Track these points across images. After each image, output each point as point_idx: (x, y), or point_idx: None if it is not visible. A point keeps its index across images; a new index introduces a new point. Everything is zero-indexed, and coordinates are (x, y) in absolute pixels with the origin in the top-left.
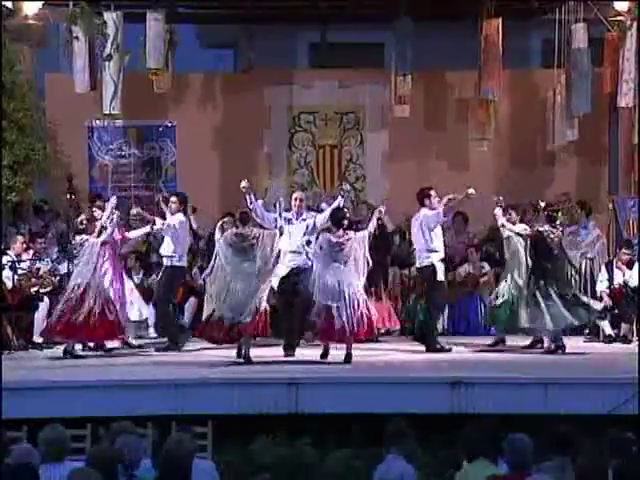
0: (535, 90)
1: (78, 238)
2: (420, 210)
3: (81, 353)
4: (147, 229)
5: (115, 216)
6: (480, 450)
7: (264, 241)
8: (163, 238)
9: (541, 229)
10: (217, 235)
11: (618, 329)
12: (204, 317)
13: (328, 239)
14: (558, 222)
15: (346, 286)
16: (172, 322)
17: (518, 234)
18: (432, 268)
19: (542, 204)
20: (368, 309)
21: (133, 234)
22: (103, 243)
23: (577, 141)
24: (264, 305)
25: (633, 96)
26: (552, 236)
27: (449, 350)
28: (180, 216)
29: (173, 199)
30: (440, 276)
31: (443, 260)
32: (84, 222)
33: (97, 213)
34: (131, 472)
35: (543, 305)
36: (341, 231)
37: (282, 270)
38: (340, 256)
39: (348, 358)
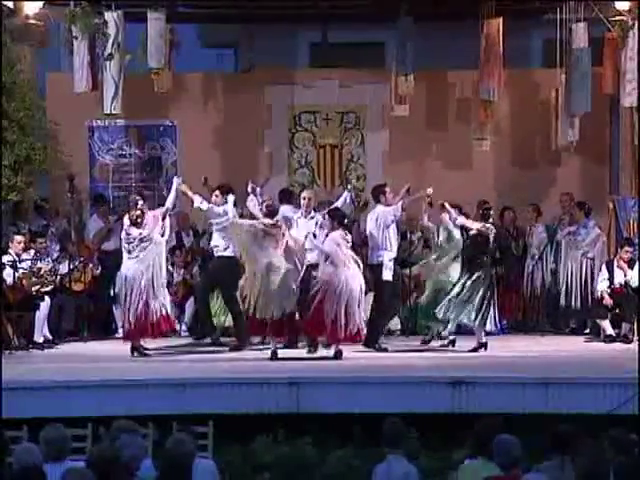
0: (536, 90)
1: (135, 232)
2: (376, 207)
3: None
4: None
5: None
6: (484, 449)
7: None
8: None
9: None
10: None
11: (619, 329)
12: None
13: (343, 236)
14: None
15: (352, 286)
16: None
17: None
18: (382, 267)
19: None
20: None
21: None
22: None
23: (578, 141)
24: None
25: (636, 96)
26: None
27: (385, 350)
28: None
29: (216, 193)
30: (387, 275)
31: (395, 259)
32: (139, 217)
33: (143, 206)
34: (131, 472)
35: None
36: (342, 231)
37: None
38: (348, 255)
39: (338, 355)
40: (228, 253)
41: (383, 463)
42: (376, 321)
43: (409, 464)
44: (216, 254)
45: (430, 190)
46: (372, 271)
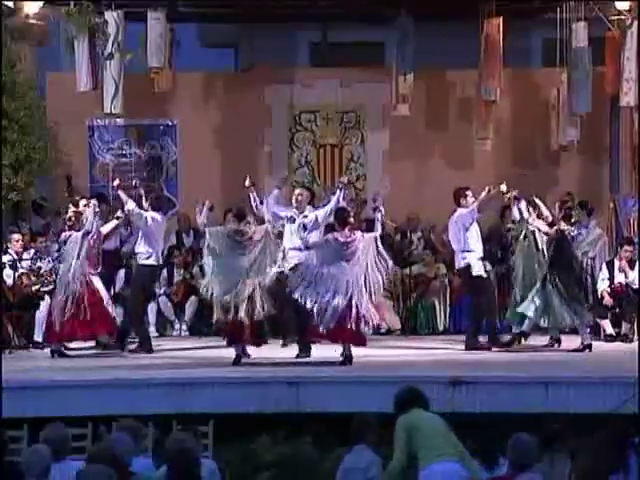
0: (536, 89)
1: (64, 235)
2: (456, 210)
3: (67, 352)
4: (114, 222)
5: (97, 209)
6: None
7: (262, 240)
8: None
9: (563, 228)
10: (206, 230)
11: (619, 328)
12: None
13: (335, 238)
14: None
15: (348, 284)
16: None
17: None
18: (469, 268)
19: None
20: (364, 314)
21: (106, 228)
22: (85, 235)
23: (579, 140)
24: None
25: (634, 95)
26: (572, 234)
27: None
28: (155, 214)
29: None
30: (478, 271)
31: (482, 258)
32: (72, 219)
33: (83, 209)
34: (126, 469)
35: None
36: (347, 231)
37: (285, 267)
38: (345, 255)
39: (347, 361)
40: (148, 262)
41: (350, 453)
42: (488, 320)
43: (373, 454)
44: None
45: (504, 186)
46: (462, 274)
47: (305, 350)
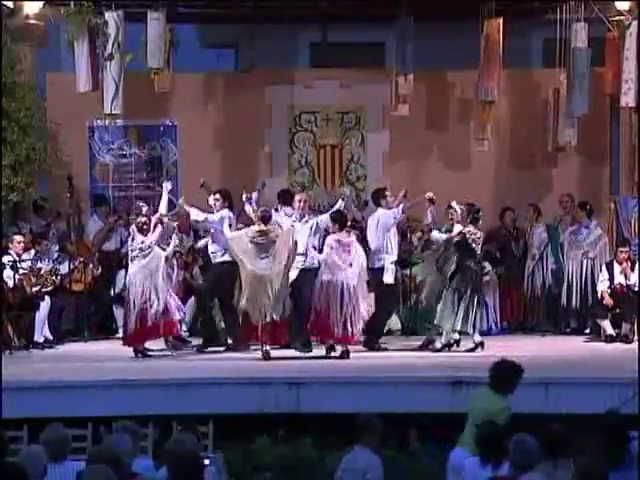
0: (536, 90)
1: (139, 239)
2: (377, 210)
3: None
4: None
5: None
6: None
7: (282, 239)
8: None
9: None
10: (229, 233)
11: (619, 329)
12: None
13: (338, 239)
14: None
15: (351, 288)
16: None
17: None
18: (383, 270)
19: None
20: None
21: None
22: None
23: (578, 141)
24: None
25: (634, 96)
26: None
27: (385, 349)
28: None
29: (216, 196)
30: (389, 279)
31: (396, 262)
32: (145, 223)
33: (148, 212)
34: (126, 470)
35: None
36: (345, 232)
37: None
38: (346, 257)
39: (345, 355)
40: (226, 258)
41: (349, 453)
42: (376, 323)
43: (373, 455)
44: (214, 260)
45: (430, 194)
46: (373, 274)
47: (306, 345)
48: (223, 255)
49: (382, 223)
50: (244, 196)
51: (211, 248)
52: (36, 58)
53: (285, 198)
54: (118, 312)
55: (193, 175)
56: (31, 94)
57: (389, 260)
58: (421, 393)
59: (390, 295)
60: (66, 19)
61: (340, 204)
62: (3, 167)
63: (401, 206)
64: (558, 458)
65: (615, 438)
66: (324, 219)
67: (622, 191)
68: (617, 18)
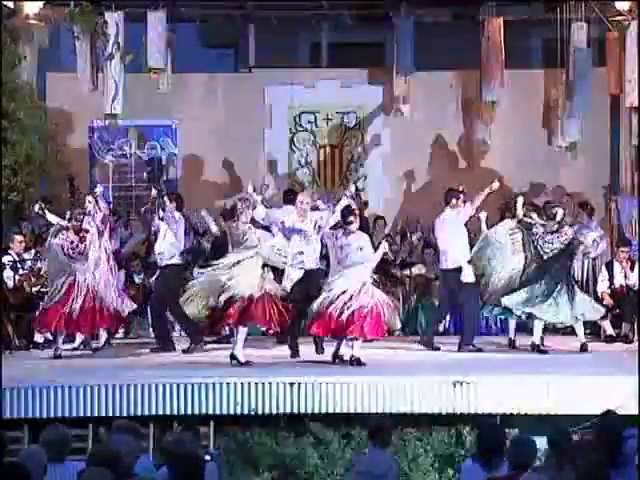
0: (536, 90)
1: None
2: (445, 210)
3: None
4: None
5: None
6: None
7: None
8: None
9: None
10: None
11: (619, 329)
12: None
13: (344, 236)
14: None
15: (357, 286)
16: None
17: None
18: (458, 271)
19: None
20: (377, 308)
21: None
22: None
23: (579, 141)
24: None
25: (637, 96)
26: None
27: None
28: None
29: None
30: (468, 278)
31: (469, 262)
32: (80, 216)
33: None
34: (129, 471)
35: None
36: (352, 227)
37: (295, 273)
38: (350, 256)
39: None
40: (173, 261)
41: (364, 455)
42: (466, 323)
43: (392, 460)
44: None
45: (497, 184)
46: (447, 275)
47: (294, 350)
48: (171, 258)
49: (453, 223)
50: (250, 187)
51: (158, 249)
52: (36, 58)
53: (289, 197)
54: None
55: (193, 175)
56: (31, 94)
57: (464, 259)
58: (422, 393)
59: (474, 293)
60: (70, 19)
61: (345, 202)
62: (3, 167)
63: (469, 203)
64: (562, 458)
65: (614, 438)
66: (329, 219)
67: (622, 191)
68: (617, 18)
